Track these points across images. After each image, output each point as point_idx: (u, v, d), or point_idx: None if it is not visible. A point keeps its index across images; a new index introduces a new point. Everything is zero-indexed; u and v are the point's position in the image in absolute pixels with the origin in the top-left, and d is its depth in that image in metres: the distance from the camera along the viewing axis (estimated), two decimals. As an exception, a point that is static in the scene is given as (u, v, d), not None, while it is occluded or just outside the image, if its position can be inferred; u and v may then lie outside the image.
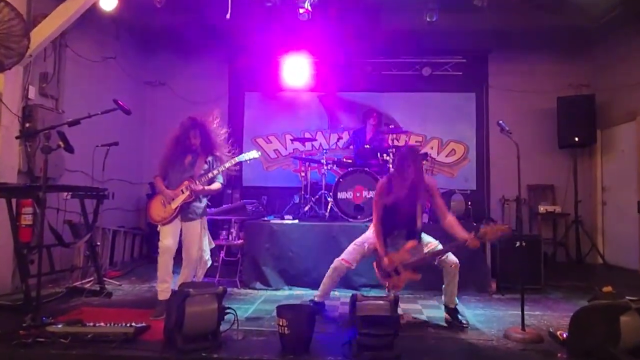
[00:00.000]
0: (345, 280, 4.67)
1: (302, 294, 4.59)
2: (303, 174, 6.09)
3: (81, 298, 4.21)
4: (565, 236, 6.72)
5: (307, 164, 6.15)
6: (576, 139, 6.56)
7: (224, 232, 5.06)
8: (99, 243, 4.74)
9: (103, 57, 6.07)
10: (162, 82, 7.38)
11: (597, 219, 6.78)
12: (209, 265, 3.95)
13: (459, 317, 3.55)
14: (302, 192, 5.98)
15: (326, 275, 3.78)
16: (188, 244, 3.81)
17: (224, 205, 5.44)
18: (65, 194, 4.44)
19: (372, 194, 5.23)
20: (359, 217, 5.24)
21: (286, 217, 5.32)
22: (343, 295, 4.54)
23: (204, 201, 3.97)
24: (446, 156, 7.26)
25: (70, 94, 5.39)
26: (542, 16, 6.07)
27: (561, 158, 6.97)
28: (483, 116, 7.20)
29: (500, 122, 3.52)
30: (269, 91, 7.37)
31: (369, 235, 3.72)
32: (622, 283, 4.96)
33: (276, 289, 4.71)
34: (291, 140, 7.21)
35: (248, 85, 7.45)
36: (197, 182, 3.77)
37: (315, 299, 3.84)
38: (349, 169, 5.51)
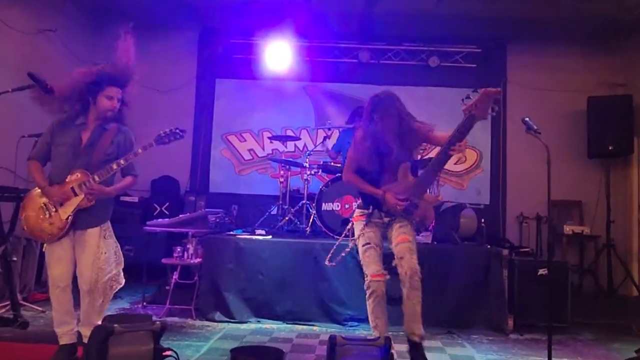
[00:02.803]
0: (327, 312, 4.42)
1: (273, 329, 4.24)
2: (282, 180, 5.85)
3: (-12, 328, 3.78)
4: (594, 262, 6.45)
5: (287, 167, 5.91)
6: (610, 147, 6.32)
7: (178, 249, 4.67)
8: (15, 258, 4.30)
9: (39, 29, 5.67)
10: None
11: (632, 243, 6.51)
12: (116, 288, 3.17)
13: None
14: (280, 202, 5.72)
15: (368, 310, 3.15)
16: (80, 262, 3.01)
17: (181, 215, 5.05)
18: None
19: (363, 205, 4.90)
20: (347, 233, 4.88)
21: (258, 231, 5.00)
22: (323, 332, 4.20)
23: (110, 201, 3.19)
24: (455, 164, 6.99)
25: (-8, 71, 4.99)
26: (570, 2, 5.85)
27: (591, 169, 6.74)
28: (500, 117, 6.95)
29: (527, 119, 3.32)
30: (245, 78, 7.09)
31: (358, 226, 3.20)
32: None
33: (240, 322, 4.34)
34: (270, 138, 6.91)
35: (220, 70, 7.17)
36: (97, 177, 2.94)
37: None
38: (337, 175, 5.18)
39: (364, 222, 3.18)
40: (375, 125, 3.08)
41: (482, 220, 5.37)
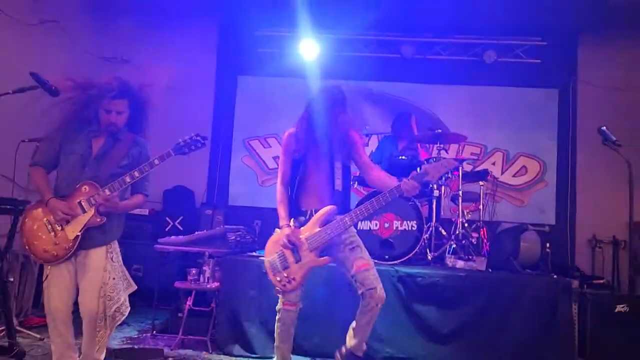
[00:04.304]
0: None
1: (300, 367, 4.26)
2: (312, 193, 5.85)
3: (-20, 359, 3.90)
4: (687, 298, 6.26)
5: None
6: None
7: (193, 271, 4.75)
8: (11, 279, 4.41)
9: (41, 20, 5.89)
10: (126, 58, 7.17)
11: None
12: (119, 320, 3.17)
13: None
14: (309, 219, 5.75)
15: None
16: (84, 289, 3.06)
17: (196, 232, 5.12)
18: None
19: (406, 225, 4.87)
20: (386, 257, 4.87)
21: (284, 252, 5.00)
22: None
23: (120, 217, 3.28)
24: (514, 176, 7.01)
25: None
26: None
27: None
28: (568, 122, 6.92)
29: (604, 128, 3.29)
30: (270, 75, 7.19)
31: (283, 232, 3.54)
32: None
33: (262, 357, 4.38)
34: (298, 144, 6.94)
35: (243, 66, 7.34)
36: (108, 191, 3.03)
37: None
38: (375, 190, 5.16)
39: None
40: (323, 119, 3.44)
41: (547, 244, 5.31)
